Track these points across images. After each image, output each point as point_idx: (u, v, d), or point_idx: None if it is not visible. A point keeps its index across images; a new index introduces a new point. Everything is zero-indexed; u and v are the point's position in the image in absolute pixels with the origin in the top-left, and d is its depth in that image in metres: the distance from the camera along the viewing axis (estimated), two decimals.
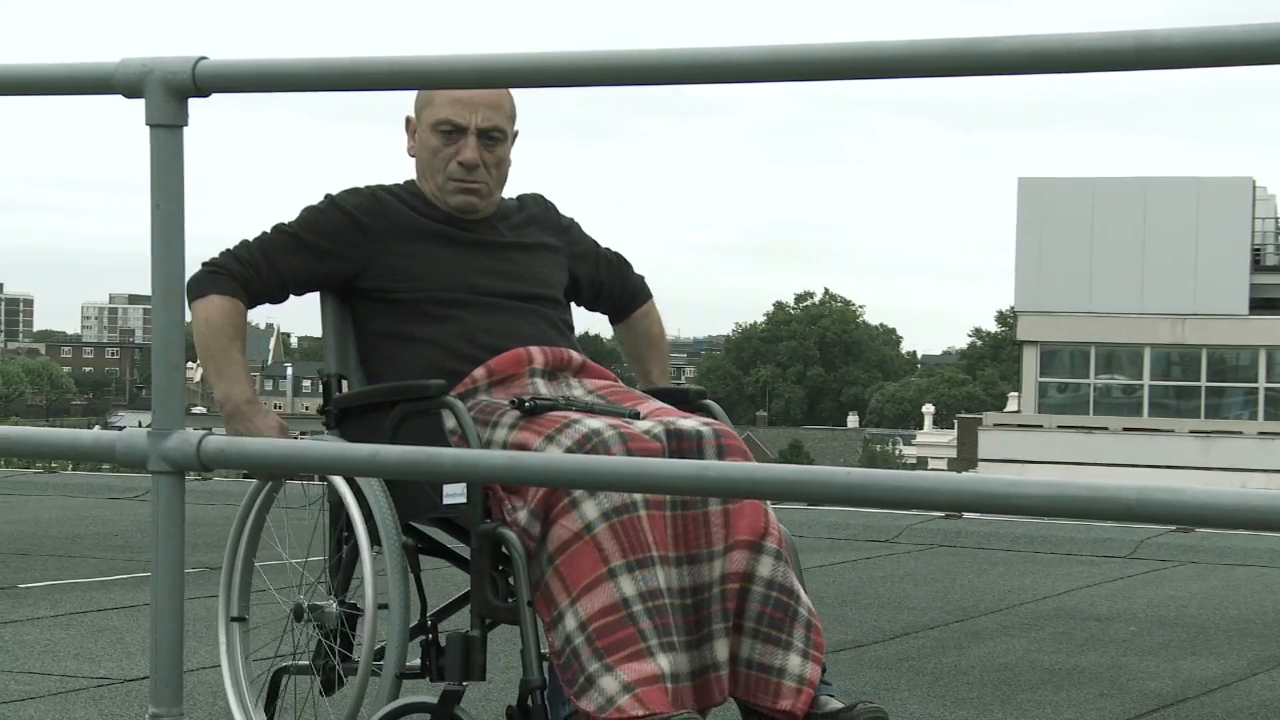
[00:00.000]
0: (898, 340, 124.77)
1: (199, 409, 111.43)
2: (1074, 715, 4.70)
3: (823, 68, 2.44)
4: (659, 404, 3.45)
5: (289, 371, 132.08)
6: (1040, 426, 38.50)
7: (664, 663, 3.12)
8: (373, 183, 3.68)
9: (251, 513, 3.59)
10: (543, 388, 3.45)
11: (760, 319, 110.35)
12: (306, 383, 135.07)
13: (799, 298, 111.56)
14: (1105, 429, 38.15)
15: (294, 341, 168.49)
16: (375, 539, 3.38)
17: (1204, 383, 39.05)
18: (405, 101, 3.74)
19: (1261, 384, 38.76)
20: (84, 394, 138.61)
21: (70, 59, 2.99)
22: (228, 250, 3.60)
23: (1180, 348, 38.84)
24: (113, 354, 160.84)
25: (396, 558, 3.33)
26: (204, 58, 2.67)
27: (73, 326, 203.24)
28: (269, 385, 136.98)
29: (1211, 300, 37.94)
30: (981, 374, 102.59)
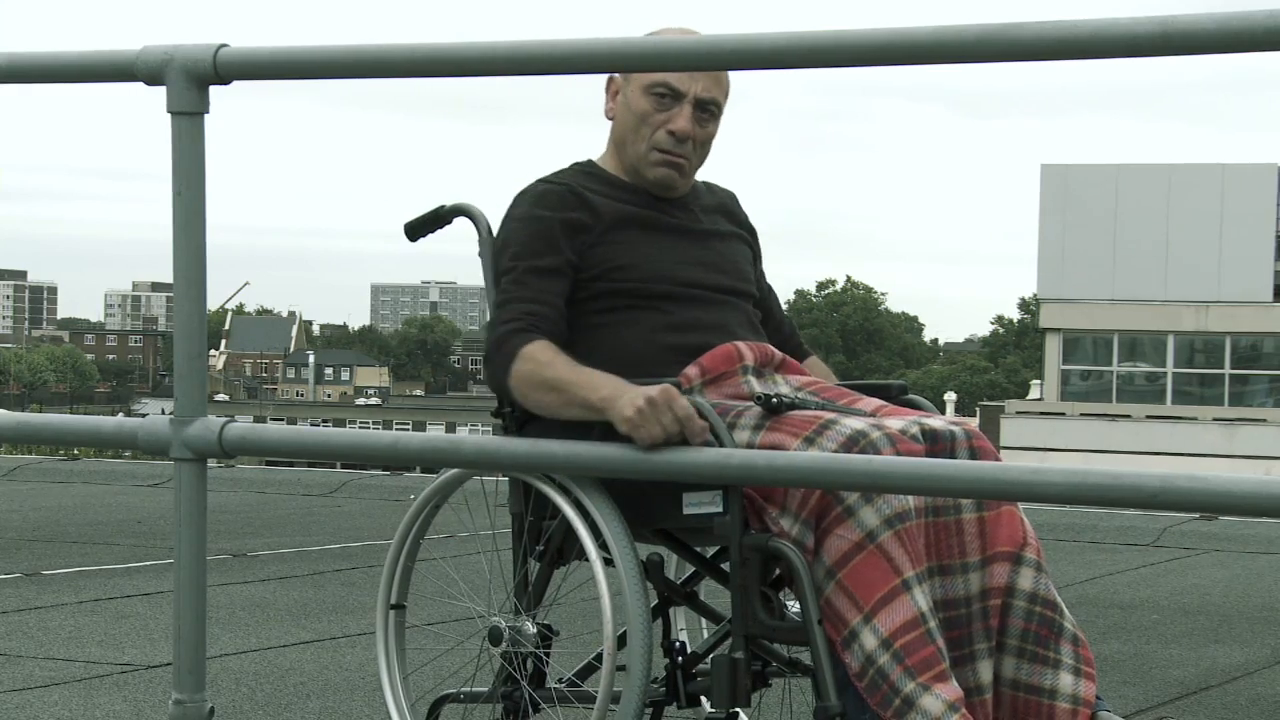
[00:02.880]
0: (920, 328, 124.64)
1: (221, 396, 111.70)
2: None
3: (849, 54, 2.43)
4: (878, 401, 3.19)
5: (311, 359, 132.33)
6: (1063, 414, 38.43)
7: (957, 683, 2.90)
8: (548, 173, 3.33)
9: (428, 506, 3.29)
10: (756, 385, 3.18)
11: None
12: (329, 370, 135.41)
13: (820, 285, 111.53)
14: (1128, 416, 38.06)
15: (316, 329, 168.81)
16: (565, 553, 3.13)
17: (1228, 370, 38.93)
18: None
19: None
20: (107, 381, 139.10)
21: (92, 46, 2.99)
22: (502, 318, 3.16)
23: (1204, 335, 38.72)
24: (136, 341, 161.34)
25: (635, 576, 3.01)
26: (225, 45, 2.67)
27: (96, 314, 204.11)
28: (291, 373, 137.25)
29: (1236, 287, 37.82)
30: (1004, 361, 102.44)
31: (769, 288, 3.53)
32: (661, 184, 3.31)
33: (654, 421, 2.88)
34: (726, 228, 3.41)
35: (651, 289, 3.24)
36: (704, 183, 3.44)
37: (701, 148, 3.31)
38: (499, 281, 3.25)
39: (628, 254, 3.25)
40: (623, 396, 2.94)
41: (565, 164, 3.44)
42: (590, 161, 3.37)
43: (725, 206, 3.45)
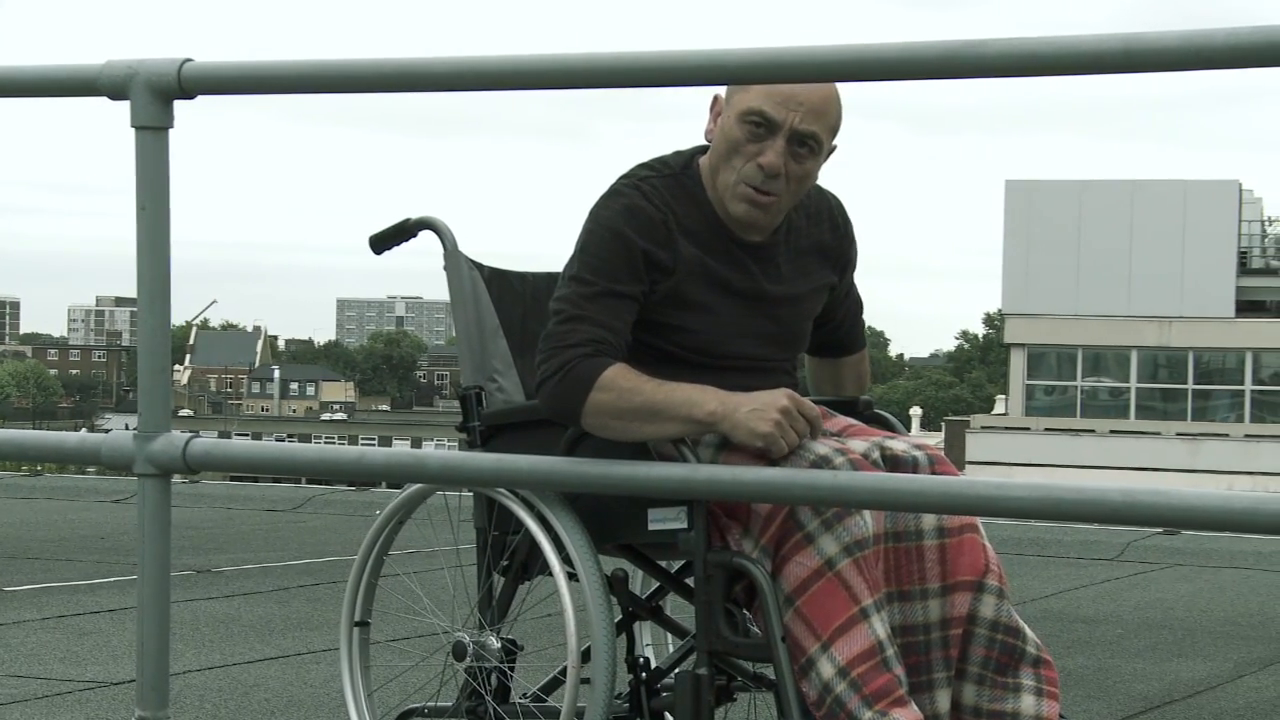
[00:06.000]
0: (885, 343, 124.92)
1: (185, 411, 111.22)
2: None
3: (814, 70, 2.44)
4: (846, 420, 3.16)
5: (276, 373, 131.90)
6: (1027, 429, 38.54)
7: (916, 708, 2.90)
8: (649, 169, 3.11)
9: (391, 521, 3.29)
10: None
11: None
12: (294, 385, 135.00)
13: None
14: (1092, 431, 38.20)
15: (281, 344, 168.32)
16: (536, 567, 3.12)
17: (1190, 385, 39.12)
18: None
19: (1248, 386, 38.85)
20: (71, 397, 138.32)
21: (56, 61, 2.98)
22: (571, 339, 2.99)
23: (1167, 350, 38.91)
24: (99, 356, 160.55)
25: (599, 590, 3.01)
26: (189, 59, 2.66)
27: (59, 329, 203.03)
28: (256, 388, 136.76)
29: (1198, 303, 38.02)
30: (969, 376, 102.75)
31: (855, 293, 3.36)
32: (742, 221, 3.08)
33: (789, 430, 2.90)
34: (811, 282, 3.21)
35: (693, 359, 3.11)
36: (811, 199, 3.21)
37: (796, 185, 3.07)
38: (569, 280, 3.06)
39: (687, 318, 3.10)
40: (739, 410, 2.89)
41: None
42: (697, 164, 3.13)
43: (826, 246, 3.23)
